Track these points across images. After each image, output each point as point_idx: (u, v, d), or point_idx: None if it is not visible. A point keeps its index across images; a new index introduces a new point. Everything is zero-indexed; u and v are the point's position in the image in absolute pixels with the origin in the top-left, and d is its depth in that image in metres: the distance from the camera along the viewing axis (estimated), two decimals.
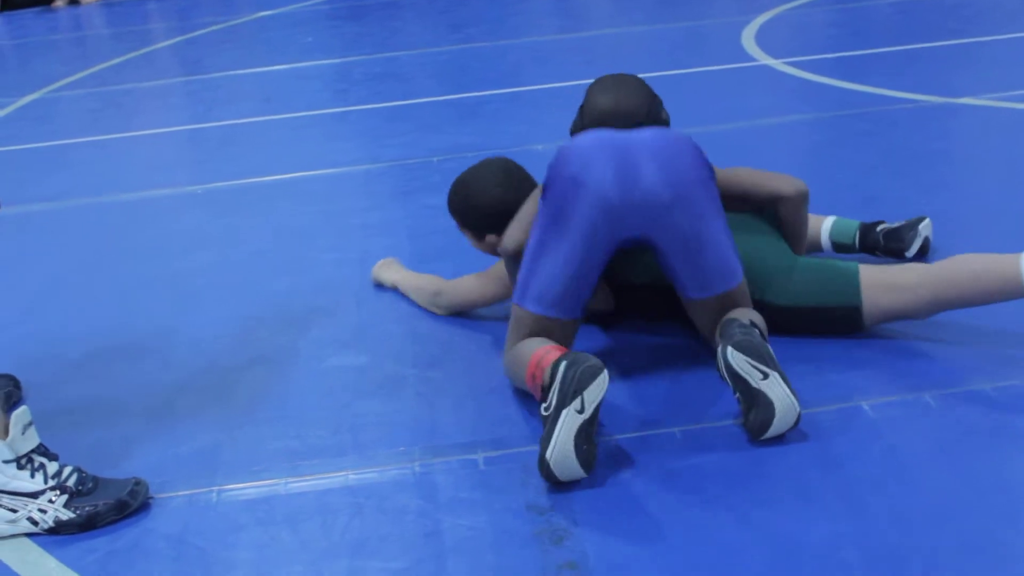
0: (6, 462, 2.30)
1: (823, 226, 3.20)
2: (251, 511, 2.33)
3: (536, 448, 2.34)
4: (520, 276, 2.65)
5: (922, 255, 3.17)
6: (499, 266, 3.00)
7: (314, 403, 2.75)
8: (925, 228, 3.18)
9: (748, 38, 6.32)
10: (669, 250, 2.60)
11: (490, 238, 2.99)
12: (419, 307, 3.19)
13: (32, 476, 2.31)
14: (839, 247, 3.19)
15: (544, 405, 2.33)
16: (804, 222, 2.94)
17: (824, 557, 2.01)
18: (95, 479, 2.36)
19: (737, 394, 2.40)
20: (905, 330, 2.79)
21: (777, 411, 2.34)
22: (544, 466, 2.28)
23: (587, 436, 2.28)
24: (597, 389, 2.28)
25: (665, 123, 2.81)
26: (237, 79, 6.92)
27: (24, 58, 8.84)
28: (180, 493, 2.41)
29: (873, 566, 1.98)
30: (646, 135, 2.63)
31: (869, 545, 2.03)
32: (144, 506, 2.36)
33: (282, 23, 8.83)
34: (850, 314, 2.76)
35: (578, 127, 2.82)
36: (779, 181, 2.91)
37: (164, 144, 5.60)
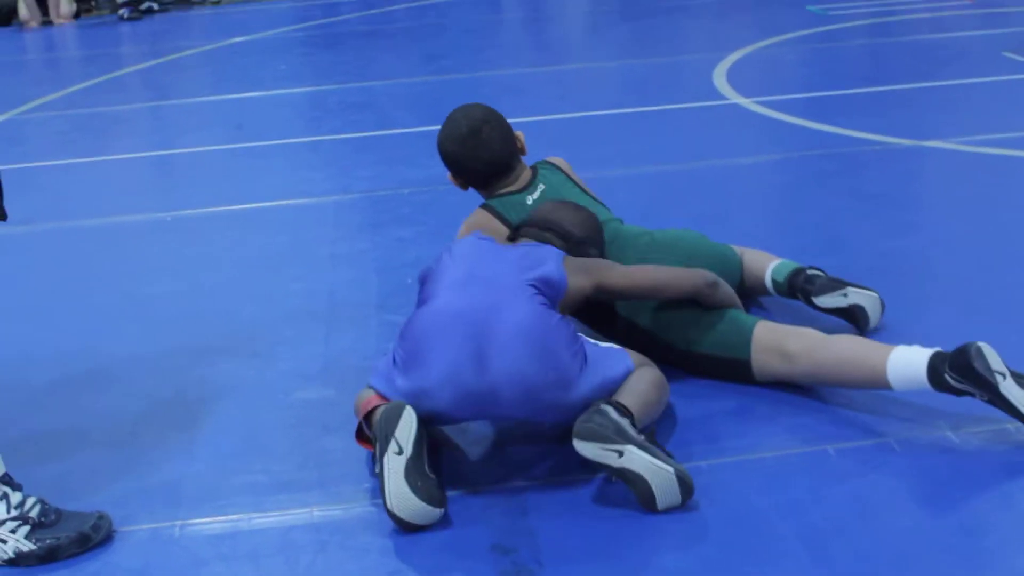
0: None
1: (769, 267, 3.18)
2: (214, 546, 2.31)
3: (505, 487, 2.35)
4: (383, 363, 2.58)
5: (857, 325, 3.02)
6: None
7: (280, 437, 2.74)
8: (858, 296, 3.02)
9: (720, 76, 6.37)
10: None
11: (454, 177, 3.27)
12: (386, 339, 3.18)
13: None
14: (776, 286, 3.15)
15: (375, 462, 2.34)
16: (723, 301, 2.87)
17: None
18: (58, 511, 2.32)
19: (612, 478, 2.37)
20: None
21: (651, 480, 2.28)
22: (393, 517, 2.27)
23: (418, 472, 2.30)
24: (406, 426, 2.33)
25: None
26: (209, 105, 6.91)
27: None
28: (143, 527, 2.39)
29: None
30: (509, 322, 2.47)
31: None
32: (107, 539, 2.34)
33: (256, 49, 8.83)
34: (740, 367, 2.80)
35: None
36: (681, 281, 2.83)
37: (133, 169, 5.58)
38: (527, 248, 2.75)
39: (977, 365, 2.41)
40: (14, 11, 10.98)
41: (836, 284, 3.03)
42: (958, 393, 2.47)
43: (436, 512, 2.29)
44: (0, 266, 4.14)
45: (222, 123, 6.38)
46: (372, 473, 2.44)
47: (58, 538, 2.28)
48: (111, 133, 6.43)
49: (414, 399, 2.44)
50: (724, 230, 3.40)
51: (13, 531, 2.26)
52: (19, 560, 2.27)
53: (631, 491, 2.30)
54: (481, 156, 3.19)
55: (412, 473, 2.29)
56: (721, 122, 5.56)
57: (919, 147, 4.81)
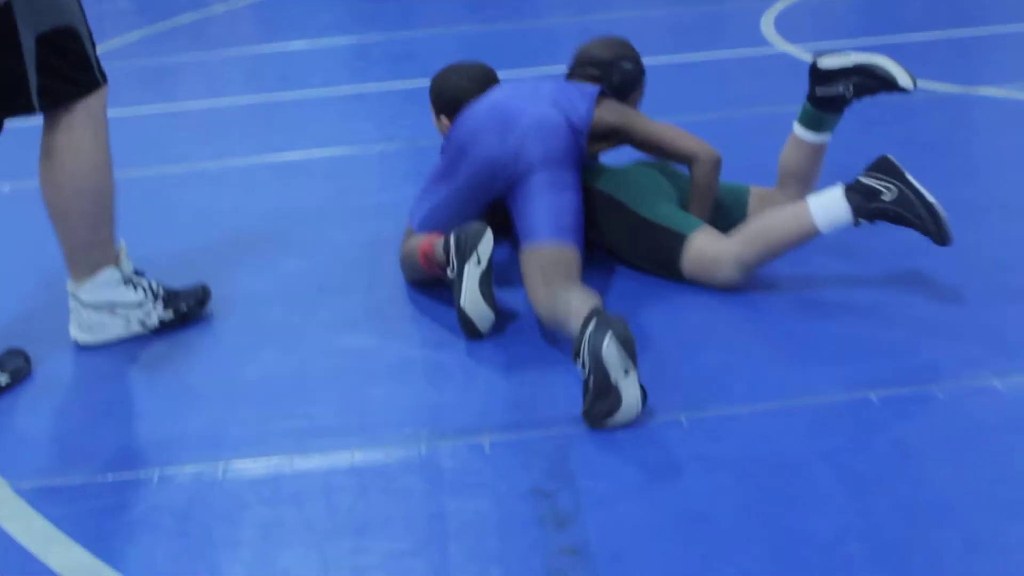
0: (118, 282, 2.95)
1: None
2: (256, 489, 2.34)
3: (543, 432, 2.37)
4: (413, 204, 3.19)
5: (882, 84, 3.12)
6: None
7: (322, 383, 2.76)
8: (863, 56, 3.09)
9: (767, 23, 6.28)
10: (522, 204, 2.99)
11: (444, 120, 3.44)
12: (428, 289, 3.18)
13: (136, 290, 2.99)
14: (803, 111, 3.24)
15: (449, 270, 2.85)
16: (711, 188, 3.14)
17: (829, 550, 2.01)
18: (174, 290, 3.06)
19: (589, 380, 2.40)
20: (911, 319, 2.79)
21: (622, 409, 2.40)
22: (462, 314, 2.82)
23: (487, 282, 2.82)
24: (486, 243, 2.81)
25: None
26: (254, 57, 6.91)
27: None
28: (186, 469, 2.42)
29: (877, 560, 1.98)
30: (531, 114, 3.04)
31: (874, 539, 2.03)
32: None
33: (299, 1, 8.81)
34: (674, 242, 3.03)
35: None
36: (694, 143, 3.14)
37: (178, 121, 5.60)
38: (566, 84, 3.22)
39: (887, 160, 2.82)
40: None
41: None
42: (875, 215, 2.82)
43: (491, 315, 2.84)
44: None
45: (268, 74, 6.37)
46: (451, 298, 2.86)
47: (186, 304, 3.06)
48: (156, 84, 6.44)
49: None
50: (769, 180, 3.36)
51: (153, 306, 3.00)
52: (164, 326, 3.03)
53: (589, 398, 2.41)
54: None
55: (483, 283, 2.81)
56: (768, 70, 5.48)
57: (969, 95, 4.73)
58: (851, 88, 3.11)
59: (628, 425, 2.43)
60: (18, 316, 3.27)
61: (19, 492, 2.39)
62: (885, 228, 2.92)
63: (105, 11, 9.39)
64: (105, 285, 2.96)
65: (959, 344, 2.69)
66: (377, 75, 6.08)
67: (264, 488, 2.34)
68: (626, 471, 2.29)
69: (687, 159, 3.14)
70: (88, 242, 2.92)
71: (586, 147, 3.10)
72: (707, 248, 3.00)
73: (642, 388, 2.43)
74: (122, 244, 3.03)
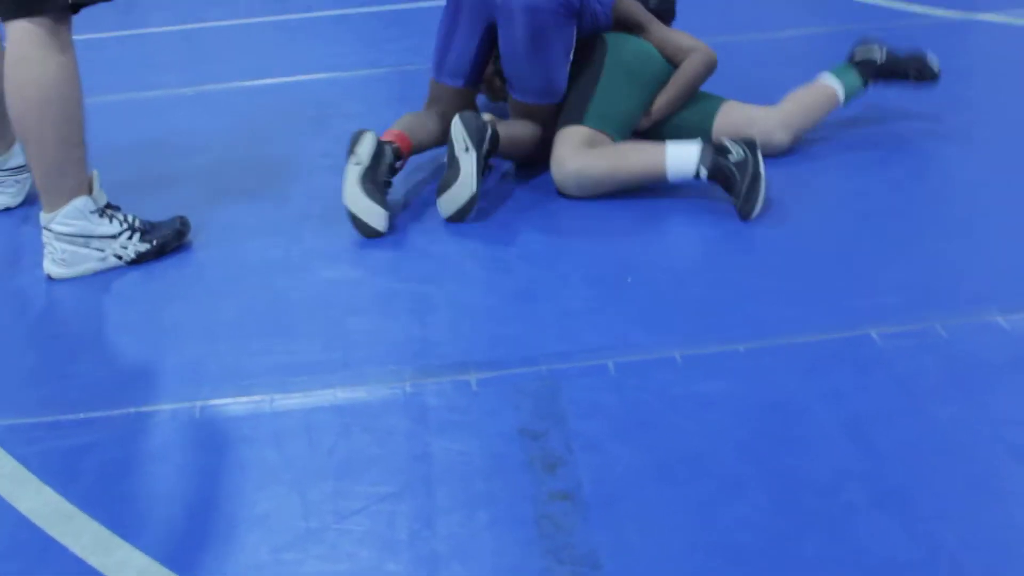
0: (91, 212, 2.86)
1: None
2: (236, 427, 2.25)
3: (532, 368, 2.29)
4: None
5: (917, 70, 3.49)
6: None
7: (304, 317, 2.67)
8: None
9: None
10: (508, 51, 3.18)
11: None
12: (412, 221, 3.08)
13: (111, 222, 2.91)
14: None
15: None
16: (693, 78, 3.30)
17: (829, 495, 1.93)
18: (152, 222, 2.99)
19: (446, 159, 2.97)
20: (913, 254, 2.71)
21: (459, 180, 2.95)
22: (348, 213, 2.96)
23: (369, 179, 2.96)
24: (366, 144, 2.97)
25: None
26: None
27: None
28: (163, 407, 2.33)
29: (880, 503, 1.90)
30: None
31: (876, 482, 1.96)
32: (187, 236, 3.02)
33: None
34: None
35: None
36: (698, 43, 3.31)
37: (158, 44, 5.46)
38: None
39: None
40: None
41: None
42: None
43: (384, 211, 2.96)
44: None
45: None
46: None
47: (164, 235, 2.98)
48: (135, 6, 6.28)
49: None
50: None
51: (130, 238, 2.93)
52: (140, 258, 2.95)
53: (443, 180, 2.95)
54: None
55: (366, 180, 2.95)
56: None
57: (969, 20, 4.61)
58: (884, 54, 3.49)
59: (619, 360, 2.35)
60: None
61: None
62: (892, 165, 2.83)
63: None
64: (78, 214, 2.86)
65: (962, 280, 2.61)
66: None
67: (243, 427, 2.25)
68: (618, 411, 2.21)
69: (687, 54, 3.30)
70: (59, 162, 2.80)
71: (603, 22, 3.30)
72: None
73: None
74: (95, 174, 2.93)
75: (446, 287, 2.75)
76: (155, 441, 2.23)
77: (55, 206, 2.84)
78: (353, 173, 2.94)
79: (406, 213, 3.16)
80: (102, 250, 2.91)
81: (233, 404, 2.33)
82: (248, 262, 2.96)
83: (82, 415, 2.33)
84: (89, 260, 2.91)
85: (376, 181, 2.97)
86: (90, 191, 2.89)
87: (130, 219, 2.96)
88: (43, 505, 2.05)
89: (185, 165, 3.67)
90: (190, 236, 3.06)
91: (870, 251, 2.77)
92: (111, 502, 2.05)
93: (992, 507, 1.89)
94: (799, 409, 2.18)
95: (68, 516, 2.02)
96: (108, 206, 2.95)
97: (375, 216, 2.94)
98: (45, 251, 2.90)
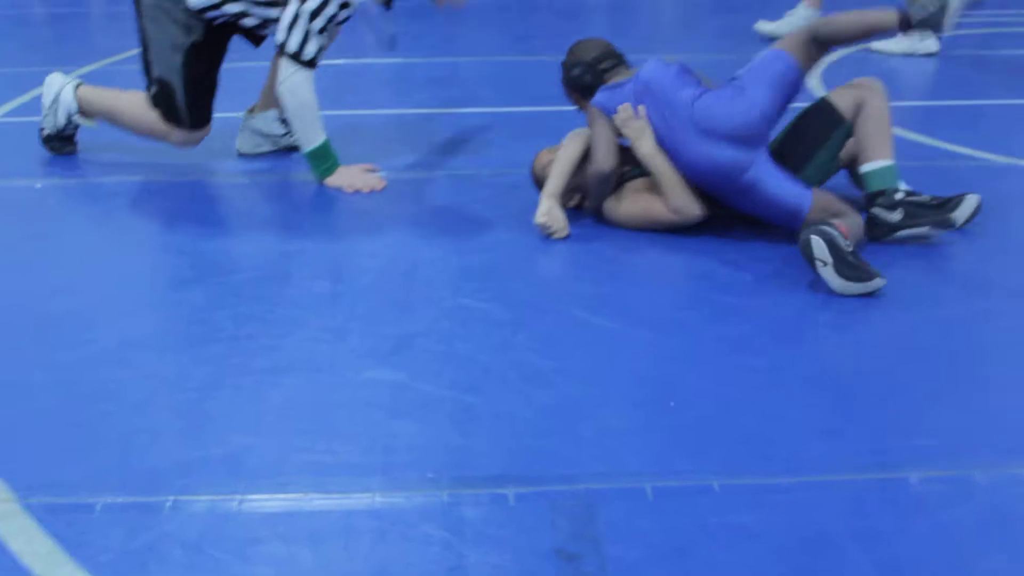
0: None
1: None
2: (272, 525, 2.27)
3: (569, 487, 2.29)
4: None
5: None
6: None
7: (347, 417, 2.69)
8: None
9: (814, 79, 6.21)
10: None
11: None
12: (462, 326, 3.11)
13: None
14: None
15: None
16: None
17: None
18: None
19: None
20: (954, 398, 2.71)
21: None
22: None
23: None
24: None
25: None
26: None
27: (85, 29, 8.85)
28: (201, 498, 2.35)
29: None
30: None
31: None
32: None
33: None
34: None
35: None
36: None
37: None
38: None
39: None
40: None
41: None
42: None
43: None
44: (68, 211, 4.12)
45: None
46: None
47: None
48: None
49: None
50: None
51: None
52: None
53: None
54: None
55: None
56: None
57: (1015, 165, 4.65)
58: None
59: (658, 485, 2.35)
60: (39, 318, 3.22)
61: (27, 507, 2.32)
62: (944, 304, 2.83)
63: None
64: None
65: (1003, 430, 2.60)
66: (418, 100, 6.02)
67: (280, 524, 2.27)
68: (654, 538, 2.21)
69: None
70: None
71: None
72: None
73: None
74: None
75: (489, 396, 2.76)
76: (191, 531, 2.24)
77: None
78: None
79: (453, 315, 3.19)
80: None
81: (271, 500, 2.35)
82: (295, 356, 2.99)
83: (121, 499, 2.35)
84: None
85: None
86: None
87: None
88: None
89: (238, 261, 3.72)
90: (237, 317, 3.07)
91: (906, 395, 2.78)
92: None
93: None
94: (836, 548, 2.17)
95: None
96: None
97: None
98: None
